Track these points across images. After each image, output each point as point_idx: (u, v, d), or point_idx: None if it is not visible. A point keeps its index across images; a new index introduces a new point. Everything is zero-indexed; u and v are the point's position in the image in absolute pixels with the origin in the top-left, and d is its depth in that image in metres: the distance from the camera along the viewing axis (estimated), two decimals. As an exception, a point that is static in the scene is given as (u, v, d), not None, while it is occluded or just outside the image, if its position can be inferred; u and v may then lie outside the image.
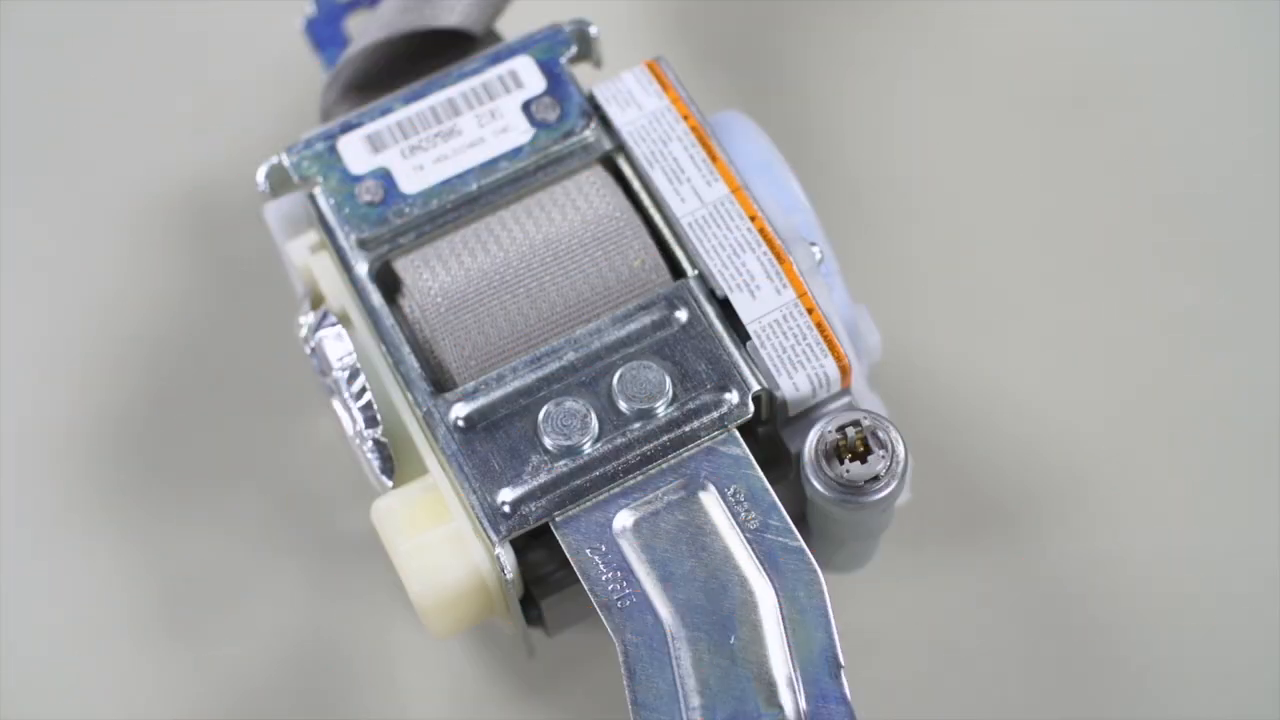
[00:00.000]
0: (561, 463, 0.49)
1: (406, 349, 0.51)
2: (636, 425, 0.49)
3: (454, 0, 0.55)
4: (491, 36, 0.57)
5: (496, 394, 0.50)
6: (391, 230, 0.52)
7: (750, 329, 0.50)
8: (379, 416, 0.51)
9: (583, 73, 0.56)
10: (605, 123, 0.53)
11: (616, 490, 0.49)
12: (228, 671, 0.57)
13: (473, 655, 0.57)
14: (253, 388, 0.61)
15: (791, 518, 0.49)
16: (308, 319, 0.52)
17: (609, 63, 0.56)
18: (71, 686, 0.58)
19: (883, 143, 0.63)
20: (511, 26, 0.58)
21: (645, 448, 0.49)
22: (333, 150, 0.53)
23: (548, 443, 0.49)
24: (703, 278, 0.51)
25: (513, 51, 0.54)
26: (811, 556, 0.48)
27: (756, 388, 0.50)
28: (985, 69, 0.64)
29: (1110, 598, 0.57)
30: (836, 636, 0.47)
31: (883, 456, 0.49)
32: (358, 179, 0.53)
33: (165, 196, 0.63)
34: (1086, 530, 0.58)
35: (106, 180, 0.64)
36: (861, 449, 0.49)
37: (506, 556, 0.49)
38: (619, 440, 0.49)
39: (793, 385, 0.50)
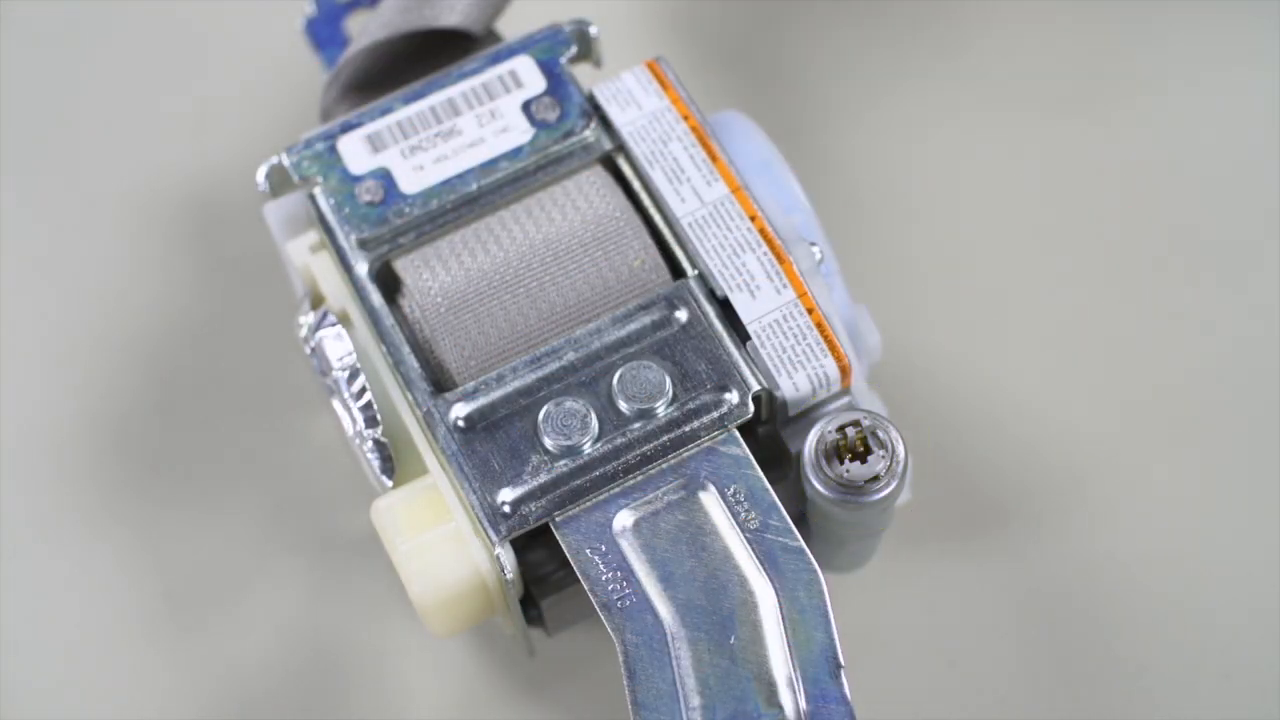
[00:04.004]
0: (561, 463, 0.49)
1: (406, 349, 0.51)
2: (636, 425, 0.49)
3: (454, 0, 0.55)
4: (491, 36, 0.57)
5: (496, 394, 0.50)
6: (391, 230, 0.52)
7: (750, 329, 0.50)
8: (379, 416, 0.51)
9: (583, 73, 0.56)
10: (605, 123, 0.53)
11: (616, 490, 0.49)
12: (227, 671, 0.57)
13: (473, 655, 0.57)
14: (253, 388, 0.61)
15: (791, 518, 0.49)
16: (308, 319, 0.52)
17: (609, 63, 0.56)
18: (71, 686, 0.58)
19: (883, 143, 0.63)
20: (511, 26, 0.58)
21: (645, 448, 0.49)
22: (333, 150, 0.53)
23: (548, 443, 0.49)
24: (703, 278, 0.51)
25: (513, 51, 0.54)
26: (811, 556, 0.48)
27: (756, 388, 0.50)
28: (985, 69, 0.64)
29: (1110, 598, 0.57)
30: (836, 636, 0.47)
31: (883, 456, 0.49)
32: (358, 179, 0.53)
33: (165, 196, 0.63)
34: (1087, 530, 0.58)
35: (107, 180, 0.64)
36: (861, 449, 0.49)
37: (506, 556, 0.49)
38: (619, 440, 0.49)
39: (793, 385, 0.50)
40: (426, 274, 0.52)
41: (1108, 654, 0.57)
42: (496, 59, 0.54)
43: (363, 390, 0.51)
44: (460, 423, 0.50)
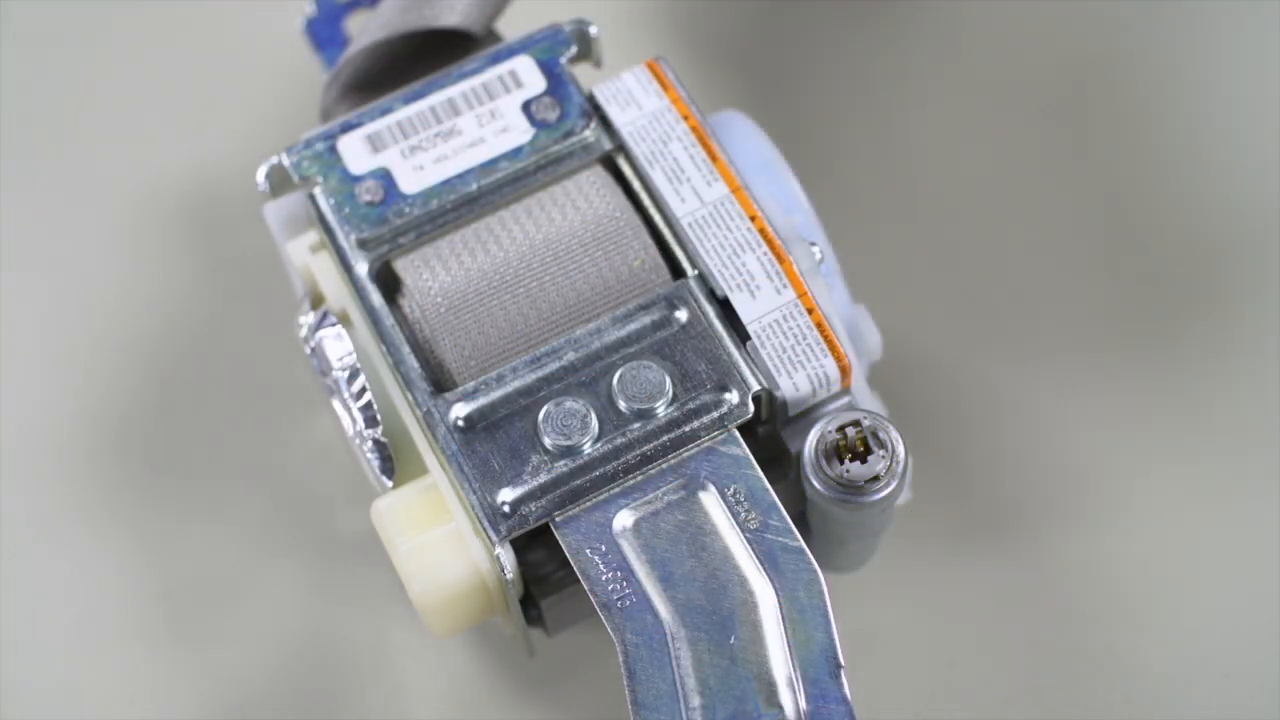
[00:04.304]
0: (561, 463, 0.49)
1: (406, 349, 0.51)
2: (636, 425, 0.49)
3: (454, 0, 0.55)
4: (491, 36, 0.57)
5: (496, 394, 0.50)
6: (391, 230, 0.52)
7: (750, 329, 0.50)
8: (379, 416, 0.51)
9: (583, 73, 0.56)
10: (605, 123, 0.53)
11: (616, 490, 0.49)
12: (227, 672, 0.57)
13: (473, 655, 0.57)
14: (253, 388, 0.61)
15: (791, 518, 0.49)
16: (308, 319, 0.52)
17: (609, 63, 0.56)
18: (71, 686, 0.58)
19: (882, 142, 0.63)
20: (511, 26, 0.58)
21: (645, 448, 0.49)
22: (333, 150, 0.53)
23: (548, 443, 0.49)
24: (703, 278, 0.51)
25: (513, 51, 0.54)
26: (811, 556, 0.48)
27: (756, 388, 0.50)
28: (985, 68, 0.64)
29: (1110, 598, 0.57)
30: (836, 636, 0.47)
31: (883, 456, 0.49)
32: (358, 179, 0.53)
33: (165, 196, 0.63)
34: (1086, 530, 0.58)
35: (107, 180, 0.64)
36: (861, 449, 0.49)
37: (506, 556, 0.49)
38: (619, 440, 0.49)
39: (793, 385, 0.50)
40: (426, 274, 0.52)
41: (1108, 654, 0.57)
42: (496, 59, 0.54)
43: (363, 390, 0.51)
44: (460, 423, 0.50)
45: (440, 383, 0.51)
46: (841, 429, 0.49)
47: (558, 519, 0.49)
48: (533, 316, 0.51)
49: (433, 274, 0.52)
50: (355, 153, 0.53)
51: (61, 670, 0.58)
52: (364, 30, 0.56)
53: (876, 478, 0.49)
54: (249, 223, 0.59)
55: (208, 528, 0.59)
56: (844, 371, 0.50)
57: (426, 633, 0.56)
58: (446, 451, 0.50)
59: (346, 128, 0.53)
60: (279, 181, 0.53)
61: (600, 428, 0.49)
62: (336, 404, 0.52)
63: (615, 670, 0.48)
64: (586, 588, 0.48)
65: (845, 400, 0.51)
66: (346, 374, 0.51)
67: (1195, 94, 0.64)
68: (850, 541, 0.52)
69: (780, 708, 0.47)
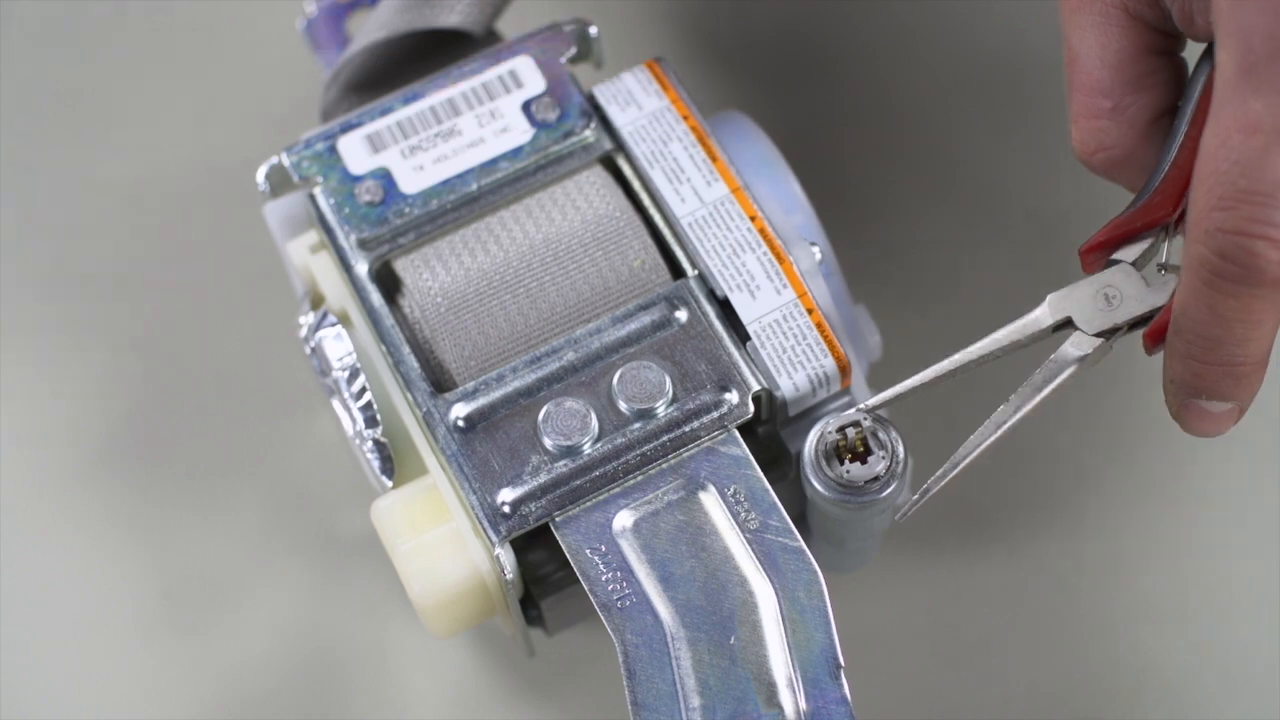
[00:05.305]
0: (561, 463, 0.49)
1: (406, 349, 0.51)
2: (636, 425, 0.49)
3: (454, 0, 0.55)
4: (491, 36, 0.57)
5: (496, 394, 0.50)
6: (391, 230, 0.52)
7: (750, 329, 0.50)
8: (379, 416, 0.51)
9: (583, 73, 0.56)
10: (605, 123, 0.53)
11: (616, 490, 0.49)
12: (228, 671, 0.57)
13: (473, 655, 0.57)
14: (253, 388, 0.61)
15: (791, 518, 0.49)
16: (308, 319, 0.52)
17: (609, 63, 0.56)
18: (72, 686, 0.58)
19: (883, 142, 0.63)
20: (511, 26, 0.58)
21: (645, 448, 0.49)
22: (333, 150, 0.53)
23: (548, 443, 0.49)
24: (703, 278, 0.51)
25: (513, 51, 0.54)
26: (811, 556, 0.48)
27: (756, 388, 0.50)
28: (988, 66, 0.64)
29: (1110, 597, 0.57)
30: (836, 636, 0.47)
31: (883, 457, 0.49)
32: (358, 179, 0.53)
33: (165, 196, 0.63)
34: (1086, 530, 0.58)
35: (106, 180, 0.64)
36: (861, 449, 0.49)
37: (506, 557, 0.49)
38: (619, 440, 0.49)
39: (793, 385, 0.50)
40: (426, 274, 0.52)
41: (1108, 653, 0.57)
42: (496, 59, 0.54)
43: (363, 390, 0.51)
44: (460, 423, 0.50)
45: (440, 383, 0.51)
46: (841, 429, 0.49)
47: (558, 519, 0.49)
48: (533, 316, 0.51)
49: (433, 274, 0.52)
50: (355, 153, 0.53)
51: (61, 670, 0.58)
52: (364, 30, 0.56)
53: (876, 478, 0.49)
54: (249, 223, 0.59)
55: (208, 527, 0.59)
56: (844, 371, 0.50)
57: (426, 633, 0.56)
58: (446, 452, 0.50)
59: (346, 128, 0.53)
60: (279, 181, 0.53)
61: (600, 428, 0.49)
62: (336, 404, 0.52)
63: (615, 670, 0.48)
64: (586, 588, 0.48)
65: (845, 400, 0.51)
66: (346, 374, 0.51)
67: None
68: (850, 542, 0.52)
69: (780, 708, 0.47)
